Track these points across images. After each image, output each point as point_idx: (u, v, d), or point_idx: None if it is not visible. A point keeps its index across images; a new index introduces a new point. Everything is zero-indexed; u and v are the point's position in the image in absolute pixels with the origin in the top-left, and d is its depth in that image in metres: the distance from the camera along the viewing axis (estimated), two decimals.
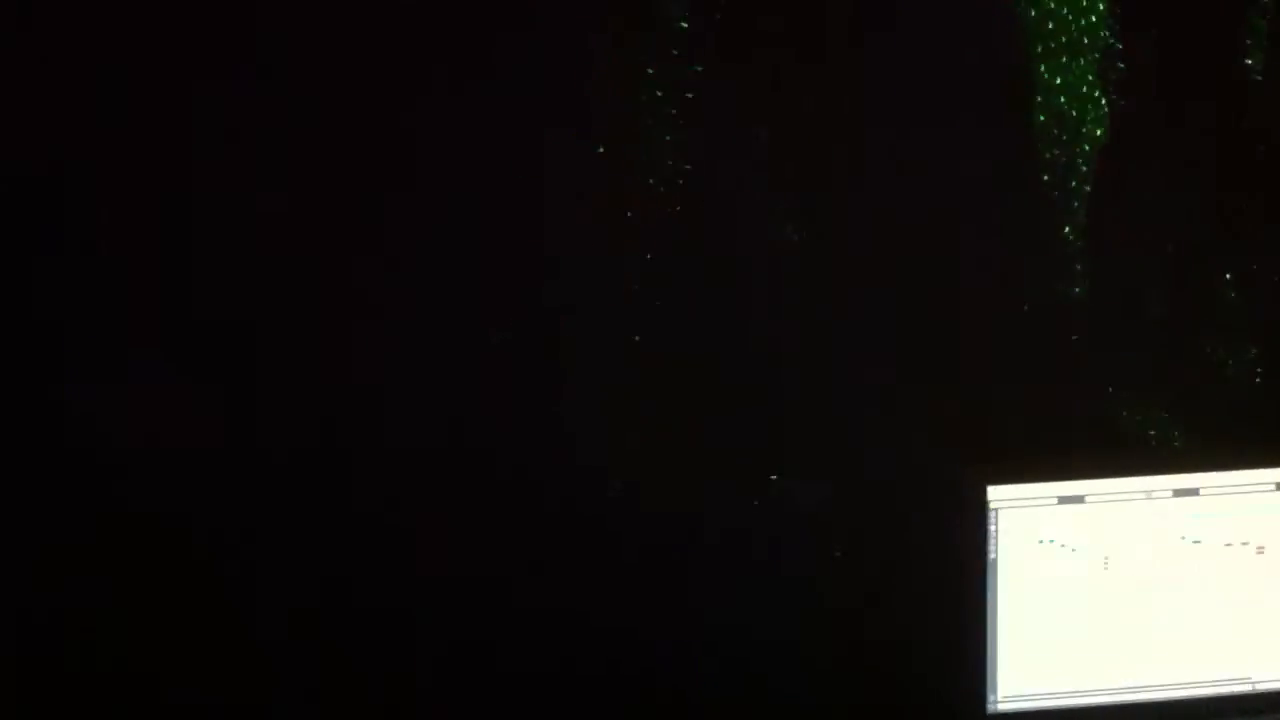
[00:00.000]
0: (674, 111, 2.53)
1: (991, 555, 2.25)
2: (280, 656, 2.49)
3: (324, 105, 2.45)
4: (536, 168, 2.51)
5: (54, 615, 2.46)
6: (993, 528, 2.24)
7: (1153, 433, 2.60)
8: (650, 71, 2.52)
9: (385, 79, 2.46)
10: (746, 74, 2.54)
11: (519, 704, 2.53)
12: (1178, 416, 2.62)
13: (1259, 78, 2.59)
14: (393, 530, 2.51)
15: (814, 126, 2.54)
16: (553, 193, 2.52)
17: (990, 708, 2.27)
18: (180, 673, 2.48)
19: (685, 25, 2.51)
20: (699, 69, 2.53)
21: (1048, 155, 2.58)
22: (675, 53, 2.52)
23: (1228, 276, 2.62)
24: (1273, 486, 2.27)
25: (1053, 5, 2.54)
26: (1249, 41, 2.57)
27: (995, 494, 2.24)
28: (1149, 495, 2.25)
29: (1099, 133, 2.57)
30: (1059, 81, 2.55)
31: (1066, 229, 2.59)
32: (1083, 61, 2.56)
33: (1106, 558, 2.26)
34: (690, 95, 2.53)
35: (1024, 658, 2.26)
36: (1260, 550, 2.28)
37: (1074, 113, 2.56)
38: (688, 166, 2.54)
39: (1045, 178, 2.58)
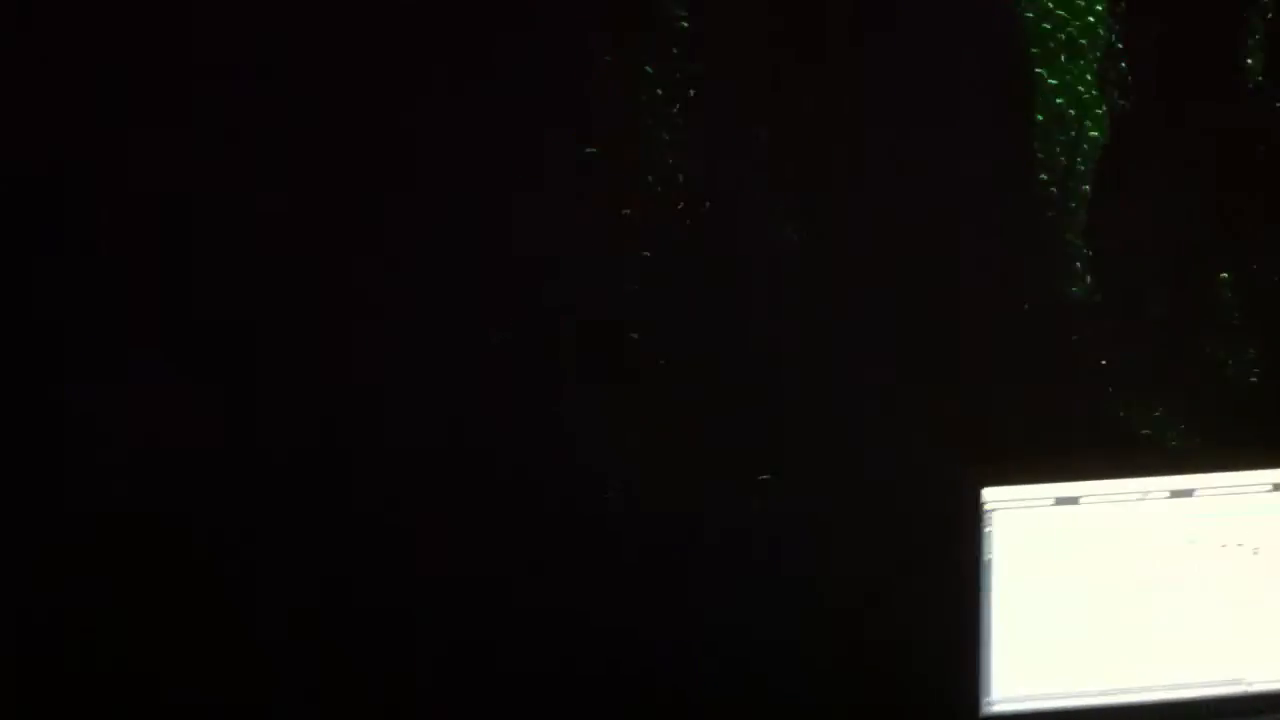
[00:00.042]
0: (674, 111, 2.53)
1: (987, 556, 2.24)
2: (280, 656, 2.49)
3: (324, 105, 2.45)
4: (536, 168, 2.50)
5: (54, 615, 2.45)
6: (988, 529, 2.24)
7: (1149, 433, 2.60)
8: (650, 71, 2.51)
9: (385, 79, 2.45)
10: (746, 74, 2.53)
11: (519, 704, 2.54)
12: (1175, 417, 2.61)
13: (1259, 78, 2.58)
14: (393, 530, 2.52)
15: (814, 126, 2.54)
16: (553, 193, 2.51)
17: (986, 709, 2.27)
18: (180, 673, 2.48)
19: (685, 25, 2.51)
20: (699, 68, 2.52)
21: (1048, 155, 2.57)
22: (675, 51, 2.52)
23: (1224, 276, 2.62)
24: (1269, 487, 2.27)
25: (1052, 5, 2.53)
26: (1249, 40, 2.56)
27: (991, 495, 2.23)
28: (1145, 496, 2.25)
29: (1099, 133, 2.57)
30: (1059, 82, 2.55)
31: (1066, 229, 2.58)
32: (1082, 62, 2.55)
33: (1102, 559, 2.26)
34: (690, 95, 2.53)
35: (1020, 659, 2.26)
36: (1256, 551, 2.28)
37: (1074, 113, 2.56)
38: (688, 166, 2.54)
39: (1045, 178, 2.58)
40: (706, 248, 2.55)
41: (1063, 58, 2.54)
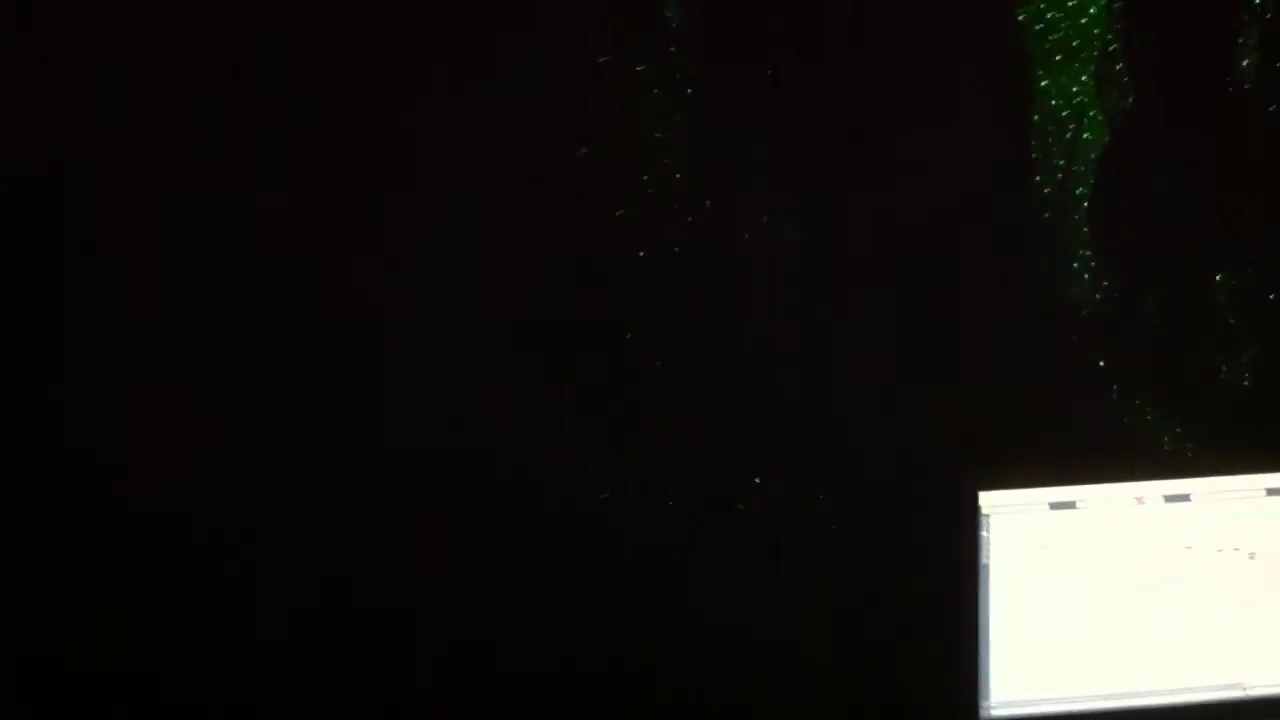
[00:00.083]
0: (673, 110, 2.52)
1: (984, 561, 2.24)
2: (280, 656, 2.49)
3: (324, 105, 2.44)
4: (536, 168, 2.50)
5: (54, 615, 2.46)
6: (985, 533, 2.24)
7: (1146, 437, 2.60)
8: (650, 70, 2.51)
9: (385, 79, 2.45)
10: (746, 74, 2.53)
11: (519, 704, 2.54)
12: (1172, 421, 2.61)
13: (1256, 79, 2.58)
14: (393, 530, 2.52)
15: (814, 126, 2.53)
16: (553, 193, 2.51)
17: (984, 714, 2.27)
18: (180, 673, 2.48)
19: (685, 24, 2.51)
20: (698, 68, 2.52)
21: (1046, 156, 2.57)
22: (674, 50, 2.52)
23: (1218, 279, 2.61)
24: (1264, 492, 2.27)
25: (1048, 6, 2.53)
26: (1244, 41, 2.56)
27: (988, 499, 2.23)
28: (1141, 501, 2.25)
29: (1098, 134, 2.57)
30: (1058, 83, 2.54)
31: (1065, 231, 2.58)
32: (1079, 64, 2.55)
33: (1099, 563, 2.26)
34: (690, 94, 2.53)
35: (1017, 664, 2.26)
36: (1252, 556, 2.28)
37: (1073, 114, 2.56)
38: (687, 166, 2.53)
39: (1045, 178, 2.57)
40: (706, 248, 2.55)
41: (1060, 59, 2.54)
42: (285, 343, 2.48)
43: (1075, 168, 2.57)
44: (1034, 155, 2.57)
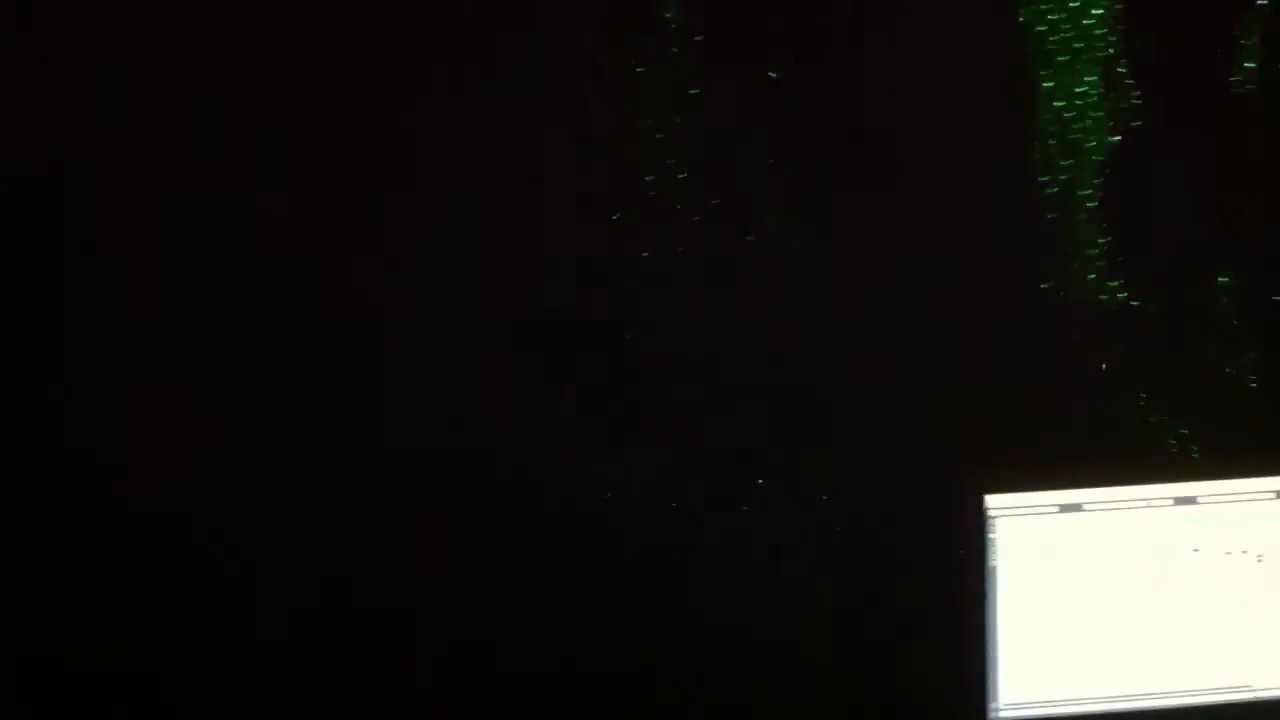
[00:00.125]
0: (673, 110, 2.52)
1: (991, 563, 2.24)
2: (280, 656, 2.49)
3: (324, 105, 2.44)
4: (536, 168, 2.50)
5: (54, 615, 2.45)
6: (992, 535, 2.23)
7: (1152, 439, 2.59)
8: (650, 71, 2.51)
9: (385, 79, 2.45)
10: (746, 74, 2.52)
11: (519, 704, 2.54)
12: (1177, 423, 2.61)
13: (1259, 81, 2.58)
14: (393, 530, 2.51)
15: (814, 126, 2.53)
16: (552, 193, 2.51)
17: (991, 715, 2.27)
18: (180, 673, 2.48)
19: (685, 24, 2.50)
20: (698, 68, 2.52)
21: (1048, 157, 2.56)
22: (675, 51, 2.51)
23: (1224, 280, 2.61)
24: (1272, 494, 2.26)
25: (1053, 9, 2.52)
26: (1246, 42, 2.56)
27: (994, 502, 2.23)
28: (1148, 503, 2.25)
29: (1099, 135, 2.56)
30: (1058, 84, 2.54)
31: (1067, 231, 2.58)
32: (1083, 64, 2.54)
33: (1106, 566, 2.25)
34: (690, 94, 2.52)
35: (1024, 666, 2.26)
36: (1260, 558, 2.27)
37: (1074, 114, 2.55)
38: (687, 166, 2.53)
39: (1045, 178, 2.57)
40: (706, 248, 2.54)
41: (1063, 60, 2.53)
42: (285, 343, 2.48)
43: (1078, 168, 2.56)
44: (1036, 155, 2.57)
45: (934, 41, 2.50)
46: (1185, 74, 2.54)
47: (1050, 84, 2.53)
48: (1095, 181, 2.56)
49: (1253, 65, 2.55)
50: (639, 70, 2.50)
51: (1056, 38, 2.52)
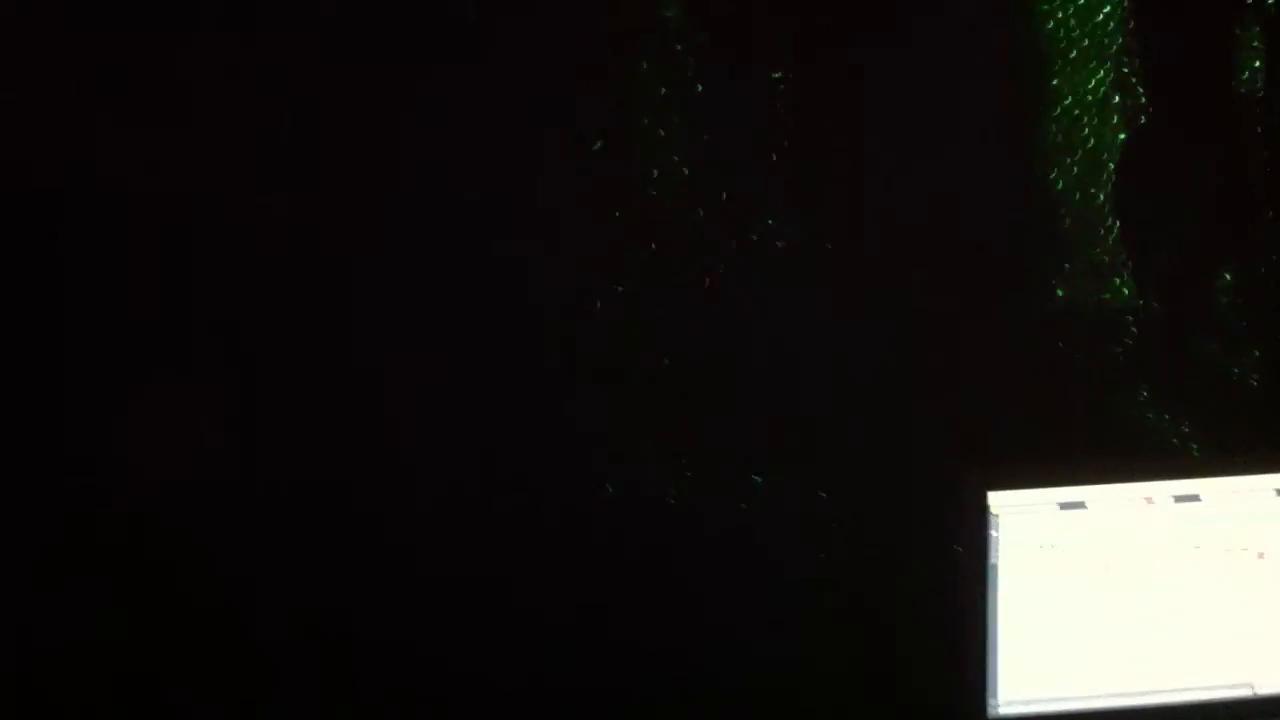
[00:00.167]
0: (673, 110, 2.52)
1: (992, 560, 2.24)
2: (280, 656, 2.49)
3: (324, 105, 2.44)
4: (536, 167, 2.50)
5: (54, 615, 2.45)
6: (993, 533, 2.23)
7: (1154, 437, 2.60)
8: (650, 70, 2.51)
9: (385, 79, 2.45)
10: (746, 74, 2.52)
11: (519, 705, 2.53)
12: (1179, 421, 2.61)
13: (1265, 81, 2.58)
14: (393, 531, 2.51)
15: (815, 126, 2.53)
16: (552, 192, 2.51)
17: (991, 712, 2.27)
18: (180, 673, 2.48)
19: (686, 23, 2.50)
20: (699, 68, 2.52)
21: (1049, 157, 2.57)
22: (674, 50, 2.51)
23: (1228, 279, 2.62)
24: (1273, 492, 2.26)
25: (1061, 6, 2.53)
26: (1256, 45, 2.56)
27: (996, 499, 2.23)
28: (1150, 501, 2.25)
29: (1104, 133, 2.57)
30: (1067, 81, 2.54)
31: (1070, 231, 2.58)
32: (1092, 64, 2.55)
33: (1107, 563, 2.25)
34: (690, 94, 2.52)
35: (1025, 663, 2.26)
36: (1261, 556, 2.27)
37: (1080, 113, 2.56)
38: (687, 166, 2.53)
39: (1051, 178, 2.57)
40: (706, 248, 2.54)
41: (1066, 61, 2.54)
42: (285, 343, 2.47)
43: (1082, 167, 2.56)
44: (1037, 156, 2.57)
45: (937, 41, 2.50)
46: (1190, 74, 2.55)
47: (1058, 82, 2.53)
48: (1099, 180, 2.56)
49: (1258, 66, 2.55)
50: (639, 70, 2.49)
51: (1066, 35, 2.52)
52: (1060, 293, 2.58)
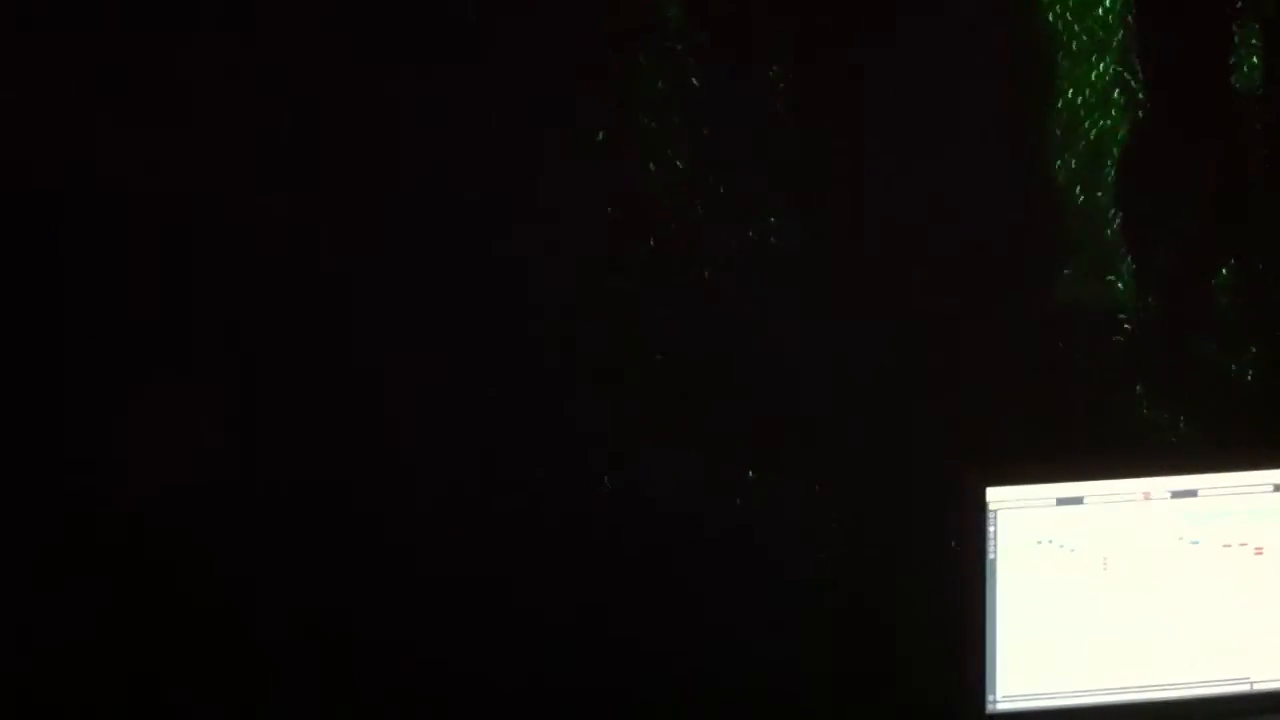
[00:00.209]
0: (673, 110, 2.53)
1: (991, 556, 2.24)
2: (280, 656, 2.49)
3: (324, 105, 2.45)
4: (536, 166, 2.50)
5: (54, 615, 2.45)
6: (992, 529, 2.23)
7: (1152, 433, 2.60)
8: (651, 70, 2.51)
9: (385, 78, 2.45)
10: (746, 74, 2.53)
11: (519, 705, 2.53)
12: (1177, 417, 2.61)
13: (1262, 80, 2.58)
14: (393, 531, 2.51)
15: (814, 126, 2.53)
16: (552, 191, 2.51)
17: (990, 707, 2.27)
18: (180, 673, 2.47)
19: (686, 23, 2.51)
20: (700, 67, 2.52)
21: (1050, 157, 2.57)
22: (674, 49, 2.52)
23: (1224, 274, 2.62)
24: (1270, 488, 2.26)
25: (1060, 3, 2.53)
26: (1250, 42, 2.57)
27: (994, 495, 2.23)
28: (1147, 496, 2.25)
29: (1100, 132, 2.57)
30: (1068, 78, 2.55)
31: (1070, 230, 2.58)
32: (1090, 62, 2.55)
33: (1105, 559, 2.25)
34: (690, 94, 2.53)
35: (1023, 658, 2.26)
36: (1259, 551, 2.27)
37: (1078, 108, 2.56)
38: (687, 165, 2.53)
39: (1051, 176, 2.57)
40: (706, 248, 2.55)
41: (1067, 53, 2.54)
42: (285, 343, 2.47)
43: (1082, 166, 2.57)
44: (1039, 154, 2.57)
45: (936, 40, 2.50)
46: (1190, 72, 2.55)
47: (1058, 81, 2.54)
48: (1098, 178, 2.56)
49: (1255, 62, 2.55)
50: (640, 68, 2.50)
51: (1065, 32, 2.52)
52: (1059, 292, 2.58)
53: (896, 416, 2.54)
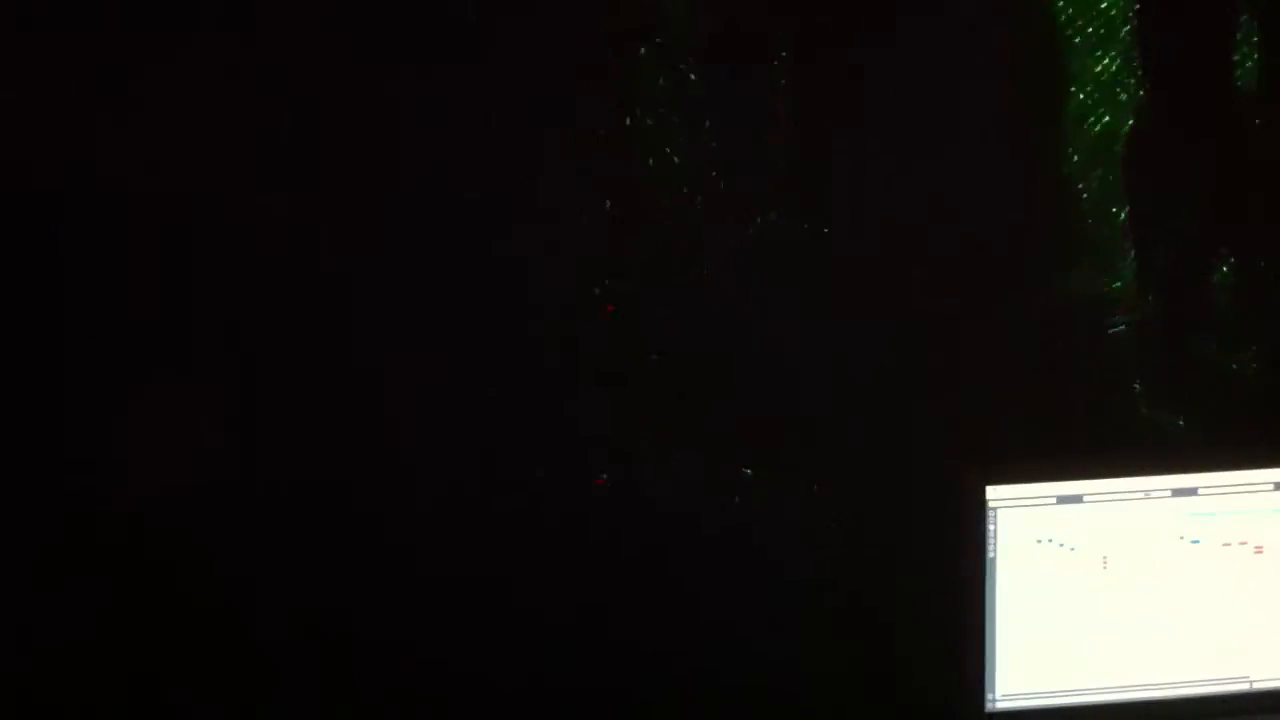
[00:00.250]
0: (673, 110, 2.53)
1: (990, 554, 2.24)
2: (280, 656, 2.49)
3: (324, 105, 2.45)
4: (536, 166, 2.50)
5: (54, 615, 2.45)
6: (991, 527, 2.23)
7: (1151, 431, 2.60)
8: (651, 70, 2.51)
9: (385, 78, 2.45)
10: (746, 73, 2.53)
11: (519, 705, 2.53)
12: (1177, 416, 2.61)
13: (1262, 77, 2.58)
14: (393, 531, 2.51)
15: (814, 126, 2.53)
16: (552, 192, 2.51)
17: (989, 706, 2.27)
18: (180, 673, 2.47)
19: (686, 23, 2.51)
20: (700, 67, 2.52)
21: (1050, 155, 2.57)
22: (674, 48, 2.52)
23: (1225, 271, 2.62)
24: (1271, 486, 2.26)
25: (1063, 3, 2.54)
26: (1251, 39, 2.57)
27: (994, 493, 2.23)
28: (1147, 495, 2.25)
29: (1102, 129, 2.57)
30: (1077, 75, 2.55)
31: (1069, 228, 2.58)
32: (1093, 58, 2.55)
33: (1105, 557, 2.25)
34: (690, 94, 2.53)
35: (1023, 656, 2.26)
36: (1259, 550, 2.27)
37: (1082, 101, 2.56)
38: (687, 165, 2.53)
39: (1051, 175, 2.57)
40: (706, 247, 2.54)
41: (1071, 47, 2.54)
42: (285, 343, 2.48)
43: (1082, 164, 2.57)
44: (1037, 154, 2.57)
45: (935, 40, 2.50)
46: (1190, 69, 2.55)
47: (1055, 82, 2.54)
48: (1099, 177, 2.56)
49: (1256, 59, 2.55)
50: (639, 68, 2.50)
51: (1067, 34, 2.53)
52: (1060, 291, 2.57)
53: (896, 416, 2.54)
